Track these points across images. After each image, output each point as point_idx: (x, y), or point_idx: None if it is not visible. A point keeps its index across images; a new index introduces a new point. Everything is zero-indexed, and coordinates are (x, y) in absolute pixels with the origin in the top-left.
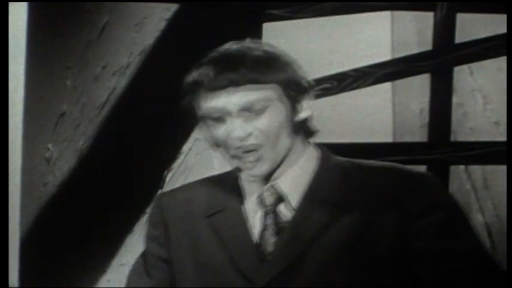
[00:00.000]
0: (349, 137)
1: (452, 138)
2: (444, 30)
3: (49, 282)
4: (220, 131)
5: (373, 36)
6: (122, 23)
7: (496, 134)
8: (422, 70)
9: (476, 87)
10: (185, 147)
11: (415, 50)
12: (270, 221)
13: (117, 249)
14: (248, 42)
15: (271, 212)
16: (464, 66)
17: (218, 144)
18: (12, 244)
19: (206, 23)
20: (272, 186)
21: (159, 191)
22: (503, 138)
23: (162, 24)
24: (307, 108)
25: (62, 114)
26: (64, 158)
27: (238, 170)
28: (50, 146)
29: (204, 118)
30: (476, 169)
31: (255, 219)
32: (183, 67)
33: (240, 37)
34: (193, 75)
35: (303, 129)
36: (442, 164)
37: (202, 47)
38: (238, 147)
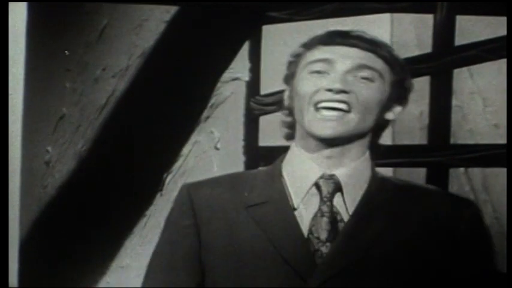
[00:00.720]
0: None
1: (451, 141)
2: (444, 32)
3: (48, 284)
4: (317, 82)
5: None
6: (121, 25)
7: (495, 136)
8: (421, 72)
9: (476, 89)
10: (185, 150)
11: (415, 52)
12: (326, 208)
13: (117, 251)
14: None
15: (328, 199)
16: (464, 69)
17: (299, 97)
18: (12, 245)
19: (206, 25)
20: (331, 175)
21: (185, 186)
22: (502, 140)
23: (162, 27)
24: (396, 114)
25: (62, 117)
26: (63, 160)
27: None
28: (49, 148)
29: (302, 70)
30: (476, 171)
31: (304, 211)
32: (183, 69)
33: (240, 39)
34: (313, 36)
35: (375, 133)
36: (441, 167)
37: (202, 49)
38: (331, 99)
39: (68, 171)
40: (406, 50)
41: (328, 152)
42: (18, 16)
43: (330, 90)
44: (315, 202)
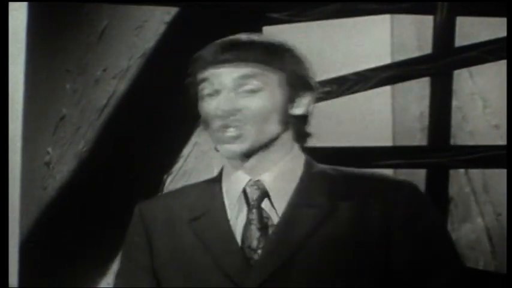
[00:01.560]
0: (349, 140)
1: (452, 142)
2: (444, 33)
3: (48, 284)
4: (209, 105)
5: (373, 40)
6: (121, 26)
7: (495, 137)
8: (422, 73)
9: (476, 90)
10: (185, 151)
11: (415, 54)
12: (253, 216)
13: (117, 252)
14: (262, 34)
15: (255, 207)
16: (464, 70)
17: (207, 123)
18: (12, 246)
19: (206, 26)
20: (256, 181)
21: (138, 204)
22: (502, 141)
23: (162, 28)
24: (305, 105)
25: (62, 118)
26: (64, 161)
27: (219, 147)
28: (49, 149)
29: (201, 95)
30: (476, 173)
31: (238, 219)
32: (183, 70)
33: None
34: (199, 52)
35: (295, 127)
36: (441, 168)
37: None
38: (223, 121)
39: (69, 172)
40: (406, 51)
41: (248, 163)
42: (18, 16)
43: (220, 115)
44: (245, 210)
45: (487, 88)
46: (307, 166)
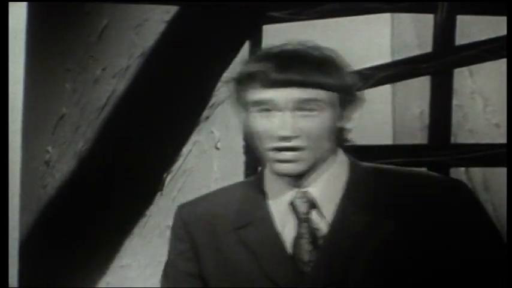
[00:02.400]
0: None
1: (452, 140)
2: (444, 32)
3: (48, 284)
4: (265, 124)
5: (373, 38)
6: (121, 25)
7: (496, 136)
8: (422, 72)
9: (476, 89)
10: (185, 150)
11: (415, 52)
12: (304, 229)
13: (117, 251)
14: (305, 43)
15: (304, 220)
16: (464, 69)
17: (255, 135)
18: (12, 245)
19: (206, 25)
20: (304, 193)
21: (179, 204)
22: (503, 140)
23: (162, 27)
24: (355, 119)
25: (62, 117)
26: (63, 160)
27: (269, 165)
28: (49, 148)
29: (249, 107)
30: (477, 171)
31: (286, 229)
32: (183, 69)
33: (240, 39)
34: (251, 67)
35: (341, 136)
36: (442, 166)
37: (202, 49)
38: (281, 144)
39: (68, 171)
40: (407, 50)
41: (296, 176)
42: (18, 16)
43: (279, 137)
44: (293, 222)
45: (487, 87)
46: (351, 169)
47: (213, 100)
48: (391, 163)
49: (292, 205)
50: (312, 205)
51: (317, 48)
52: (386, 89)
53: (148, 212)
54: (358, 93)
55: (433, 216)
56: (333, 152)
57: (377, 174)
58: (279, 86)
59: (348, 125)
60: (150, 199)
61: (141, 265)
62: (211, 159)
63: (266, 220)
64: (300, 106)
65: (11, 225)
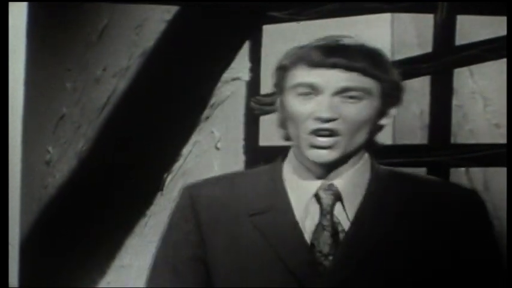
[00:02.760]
0: None
1: (452, 141)
2: (444, 32)
3: (48, 284)
4: (304, 106)
5: (373, 38)
6: (122, 24)
7: (496, 136)
8: (422, 72)
9: (477, 89)
10: (185, 150)
11: (415, 52)
12: (326, 222)
13: (117, 251)
14: (354, 39)
15: (329, 212)
16: (465, 68)
17: (291, 119)
18: (12, 245)
19: (206, 25)
20: (330, 185)
21: (186, 188)
22: (503, 140)
23: (162, 26)
24: (392, 116)
25: (62, 117)
26: (64, 160)
27: (302, 148)
28: (49, 148)
29: (286, 91)
30: (477, 171)
31: (307, 220)
32: (183, 69)
33: (240, 39)
34: (296, 53)
35: (373, 130)
36: (442, 166)
37: (202, 49)
38: (318, 128)
39: (69, 171)
40: (407, 50)
41: (324, 166)
42: (18, 16)
43: (317, 119)
44: (315, 213)
45: (487, 87)
46: (374, 168)
47: (213, 100)
48: (391, 163)
49: (317, 196)
50: (337, 198)
51: (371, 45)
52: None
53: (148, 212)
54: (400, 88)
55: (447, 224)
56: (362, 147)
57: (396, 178)
58: (323, 68)
59: (383, 121)
60: (150, 199)
61: (142, 265)
62: (211, 159)
63: (285, 209)
64: (342, 91)
65: (11, 225)
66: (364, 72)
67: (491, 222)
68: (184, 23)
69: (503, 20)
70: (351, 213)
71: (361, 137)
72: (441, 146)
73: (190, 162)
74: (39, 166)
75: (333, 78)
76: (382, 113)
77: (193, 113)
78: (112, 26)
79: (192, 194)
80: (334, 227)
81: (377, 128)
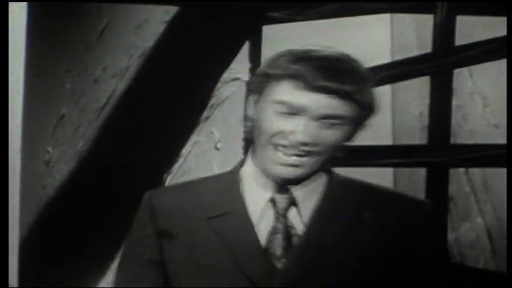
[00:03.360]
0: None
1: (452, 141)
2: (444, 32)
3: (48, 284)
4: (282, 124)
5: (373, 39)
6: (121, 25)
7: (495, 136)
8: (422, 72)
9: (476, 89)
10: (184, 151)
11: (415, 53)
12: (280, 225)
13: (117, 251)
14: (337, 52)
15: (282, 216)
16: (464, 69)
17: (264, 131)
18: (12, 246)
19: (206, 25)
20: (287, 191)
21: (147, 194)
22: (503, 140)
23: (162, 27)
24: (357, 136)
25: (62, 117)
26: (63, 160)
27: (270, 159)
28: (49, 148)
29: (268, 104)
30: (476, 172)
31: (262, 224)
32: (183, 69)
33: (240, 39)
34: (292, 69)
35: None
36: (441, 167)
37: (202, 49)
38: (293, 149)
39: (68, 171)
40: (406, 50)
41: (287, 179)
42: (18, 16)
43: (293, 140)
44: (270, 217)
45: (487, 87)
46: (330, 176)
47: (213, 100)
48: (390, 163)
49: (273, 200)
50: (292, 203)
51: (350, 57)
52: (386, 90)
53: None
54: (374, 113)
55: (395, 230)
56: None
57: (351, 186)
58: (309, 90)
59: (352, 140)
60: None
61: None
62: (211, 160)
63: (241, 213)
64: (323, 118)
65: (11, 225)
66: (349, 99)
67: (440, 231)
68: (184, 23)
69: (503, 20)
70: (306, 218)
71: (327, 157)
72: (441, 147)
73: (190, 163)
74: (38, 166)
75: (317, 103)
76: (351, 136)
77: (193, 113)
78: (112, 27)
79: (152, 201)
80: (288, 230)
81: (340, 149)
